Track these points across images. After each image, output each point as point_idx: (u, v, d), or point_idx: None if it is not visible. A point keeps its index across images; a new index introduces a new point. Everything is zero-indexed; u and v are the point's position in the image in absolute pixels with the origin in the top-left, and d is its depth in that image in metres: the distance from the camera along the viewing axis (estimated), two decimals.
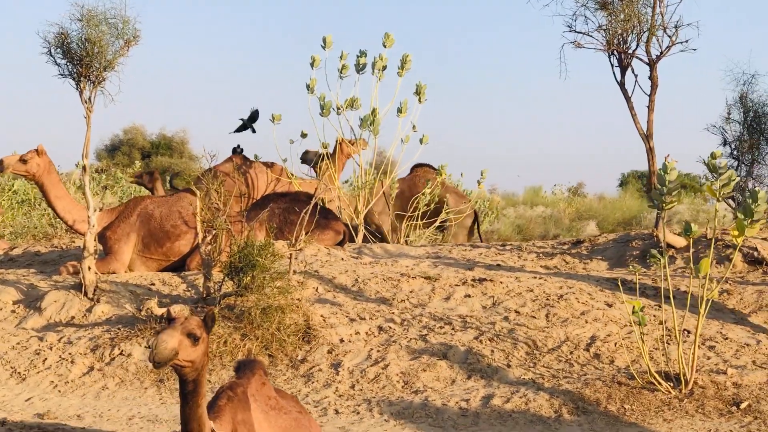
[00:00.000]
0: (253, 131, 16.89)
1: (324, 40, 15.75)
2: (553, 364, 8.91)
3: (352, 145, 15.89)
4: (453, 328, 9.58)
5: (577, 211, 28.34)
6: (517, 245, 13.71)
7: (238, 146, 16.03)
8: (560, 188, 34.28)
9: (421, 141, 16.27)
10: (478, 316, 9.98)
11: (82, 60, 10.32)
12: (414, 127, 16.20)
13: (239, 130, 16.80)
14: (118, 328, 9.79)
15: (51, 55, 10.49)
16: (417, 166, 16.97)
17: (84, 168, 10.73)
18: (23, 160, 11.25)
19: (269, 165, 15.90)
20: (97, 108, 10.57)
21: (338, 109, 15.79)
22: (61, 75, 10.55)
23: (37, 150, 11.35)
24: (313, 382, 8.80)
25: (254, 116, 16.76)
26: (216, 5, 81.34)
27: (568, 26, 11.94)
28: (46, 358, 9.38)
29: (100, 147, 46.13)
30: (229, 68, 76.30)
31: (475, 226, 16.93)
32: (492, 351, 9.10)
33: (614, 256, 12.57)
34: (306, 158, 16.64)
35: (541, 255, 12.83)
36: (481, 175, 17.66)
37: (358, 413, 8.18)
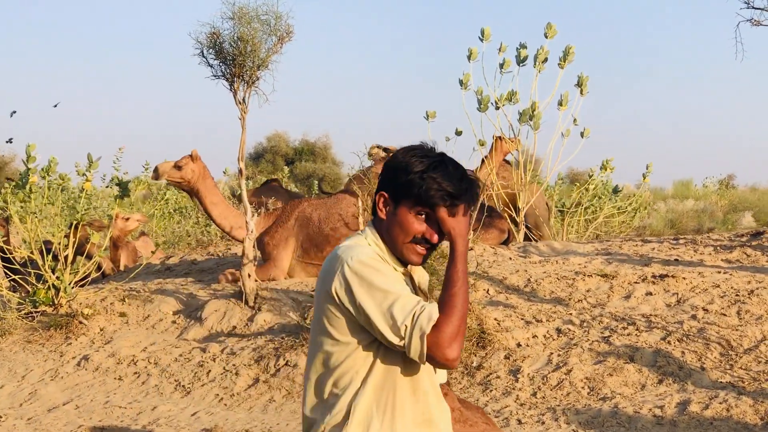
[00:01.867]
0: None
1: (482, 32, 15.14)
2: (752, 366, 8.11)
3: (511, 142, 15.25)
4: (637, 329, 8.86)
5: (730, 203, 27.59)
6: (691, 239, 12.89)
7: (387, 148, 15.54)
8: (711, 180, 33.29)
9: (582, 134, 15.54)
10: (662, 315, 9.24)
11: (235, 59, 9.92)
12: (575, 120, 15.48)
13: None
14: (282, 337, 9.37)
15: (204, 56, 10.11)
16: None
17: (240, 171, 10.35)
18: (178, 167, 10.98)
19: None
20: (251, 109, 10.18)
21: (496, 103, 15.17)
22: (215, 76, 10.17)
23: (191, 155, 11.06)
24: (491, 390, 8.19)
25: None
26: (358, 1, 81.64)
27: (746, 2, 11.07)
28: (210, 370, 9.00)
29: (245, 155, 46.43)
30: (371, 68, 76.44)
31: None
32: (683, 353, 8.34)
33: None
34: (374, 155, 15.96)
35: (718, 248, 11.99)
36: (647, 168, 16.85)
37: (543, 423, 7.54)
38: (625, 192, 18.01)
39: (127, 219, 13.67)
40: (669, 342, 8.51)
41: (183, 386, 8.86)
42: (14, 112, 15.55)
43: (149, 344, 9.83)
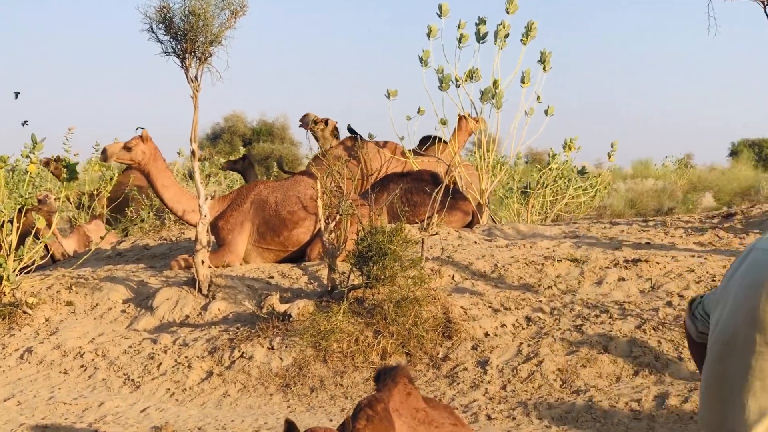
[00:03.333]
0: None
1: (440, 8, 14.67)
2: None
3: (476, 122, 14.79)
4: (611, 317, 8.45)
5: (689, 183, 27.59)
6: (661, 221, 12.51)
7: (349, 126, 15.06)
8: (670, 160, 33.26)
9: (546, 112, 15.10)
10: (636, 301, 8.83)
11: (186, 35, 9.40)
12: (539, 97, 15.04)
13: None
14: (237, 328, 8.90)
15: (153, 32, 9.58)
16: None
17: (193, 152, 9.82)
18: (127, 148, 10.44)
19: (381, 144, 14.91)
20: (204, 87, 9.66)
21: (457, 81, 14.71)
22: (165, 53, 9.63)
23: (141, 136, 10.53)
24: (458, 384, 7.75)
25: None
26: None
27: None
28: (160, 363, 8.51)
29: (202, 136, 46.02)
30: (332, 47, 75.74)
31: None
32: (659, 342, 7.94)
33: None
34: (304, 121, 15.54)
35: (690, 230, 11.61)
36: (612, 147, 16.44)
37: (514, 418, 7.14)
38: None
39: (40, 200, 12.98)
40: (644, 331, 8.11)
41: (132, 380, 8.38)
42: (18, 93, 14.86)
43: (97, 335, 9.32)
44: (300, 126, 15.67)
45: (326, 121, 15.64)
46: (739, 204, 24.42)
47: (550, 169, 15.67)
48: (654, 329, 8.13)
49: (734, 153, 39.37)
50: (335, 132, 15.75)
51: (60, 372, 8.66)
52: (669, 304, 8.68)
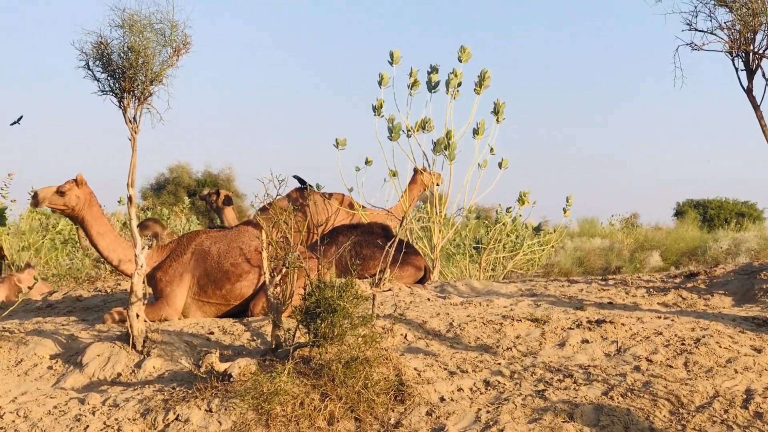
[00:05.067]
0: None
1: (391, 56, 14.24)
2: (707, 427, 7.16)
3: (431, 176, 14.33)
4: (575, 382, 7.90)
5: (636, 242, 27.67)
6: (621, 279, 12.07)
7: (297, 176, 14.53)
8: (616, 219, 33.36)
9: (500, 165, 14.69)
10: (602, 365, 8.30)
11: (125, 73, 8.79)
12: (492, 149, 14.64)
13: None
14: (173, 388, 8.21)
15: (89, 69, 8.96)
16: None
17: (130, 199, 9.16)
18: (60, 192, 9.79)
19: (327, 195, 14.39)
20: (145, 130, 9.04)
21: (408, 131, 14.25)
22: (102, 92, 9.00)
23: (75, 180, 9.89)
24: None
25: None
26: (261, 24, 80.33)
27: (688, 24, 10.23)
28: (87, 426, 7.78)
29: (146, 186, 45.56)
30: (279, 96, 75.28)
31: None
32: (628, 410, 7.37)
33: (738, 290, 10.90)
34: (202, 196, 15.64)
35: (652, 290, 11.17)
36: (567, 201, 16.03)
37: None
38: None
39: None
40: (612, 397, 7.55)
41: None
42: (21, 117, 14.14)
43: (20, 393, 8.59)
44: (200, 198, 15.89)
45: (217, 192, 15.51)
46: (686, 264, 24.33)
47: (503, 225, 15.20)
48: (622, 396, 7.58)
49: (679, 213, 39.63)
50: (228, 201, 15.61)
51: None
52: (637, 368, 8.16)
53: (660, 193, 57.46)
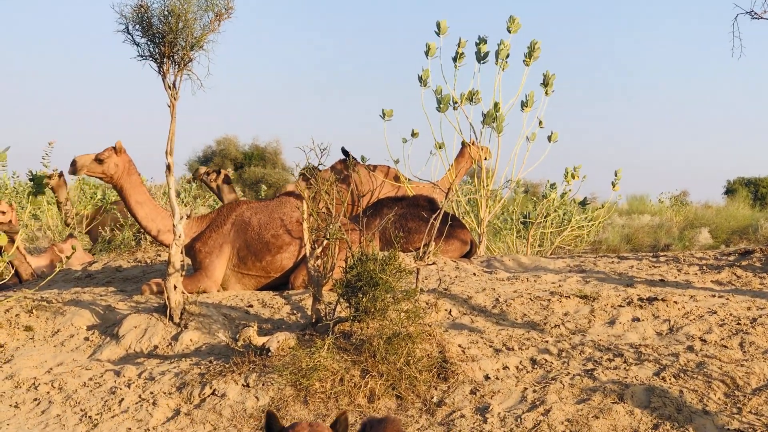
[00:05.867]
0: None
1: (438, 26, 13.91)
2: (764, 410, 6.82)
3: (480, 150, 14.01)
4: (625, 361, 7.58)
5: (685, 219, 27.23)
6: (673, 256, 11.69)
7: (343, 148, 14.27)
8: (665, 196, 32.90)
9: (549, 138, 14.33)
10: (654, 345, 7.98)
11: (164, 37, 8.55)
12: (541, 122, 14.28)
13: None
14: (210, 362, 8.00)
15: (129, 33, 8.72)
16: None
17: (168, 167, 8.93)
18: (99, 160, 9.59)
19: (372, 168, 14.12)
20: (189, 99, 8.81)
21: (456, 103, 13.92)
22: (141, 57, 8.77)
23: (114, 147, 9.69)
24: None
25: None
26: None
27: None
28: (122, 399, 7.59)
29: (193, 158, 45.51)
30: (328, 68, 74.94)
31: None
32: (680, 391, 7.05)
33: None
34: (195, 175, 15.37)
35: (705, 268, 10.80)
36: (616, 175, 15.63)
37: None
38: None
39: (3, 212, 12.08)
40: (664, 378, 7.24)
41: (89, 417, 7.44)
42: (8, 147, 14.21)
43: (55, 365, 8.42)
44: (194, 180, 15.67)
45: (218, 171, 15.28)
46: (736, 242, 23.88)
47: (551, 199, 14.86)
48: (674, 377, 7.27)
49: (730, 191, 39.06)
50: (227, 180, 15.37)
51: (10, 405, 7.73)
52: (690, 348, 7.83)
53: (710, 170, 56.66)
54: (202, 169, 15.48)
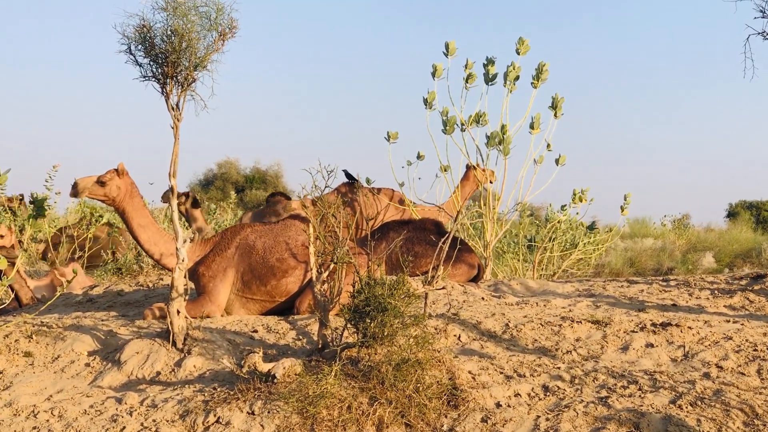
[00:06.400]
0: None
1: (446, 47, 13.79)
2: None
3: (485, 173, 13.88)
4: (640, 389, 7.39)
5: (688, 243, 27.15)
6: (684, 281, 11.52)
7: (345, 171, 14.12)
8: (668, 219, 32.87)
9: (557, 161, 14.18)
10: (669, 372, 7.79)
11: (167, 57, 8.39)
12: (549, 145, 14.14)
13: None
14: (214, 388, 7.81)
15: (131, 54, 8.57)
16: (273, 195, 15.34)
17: (171, 189, 8.77)
18: (101, 182, 9.43)
19: (376, 191, 13.97)
20: (191, 122, 8.65)
21: (462, 125, 13.79)
22: (144, 77, 8.62)
23: (117, 170, 9.53)
24: None
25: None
26: (312, 14, 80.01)
27: (761, 11, 9.65)
28: (124, 427, 7.38)
29: (194, 181, 45.51)
30: (329, 90, 74.90)
31: None
32: (698, 420, 6.85)
33: None
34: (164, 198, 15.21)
35: (716, 292, 10.62)
36: (625, 199, 15.48)
37: None
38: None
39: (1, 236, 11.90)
40: (680, 406, 7.03)
41: None
42: None
43: (55, 392, 8.23)
44: (162, 201, 15.57)
45: (186, 194, 15.16)
46: (740, 266, 23.74)
47: (559, 222, 14.70)
48: (691, 405, 7.06)
49: (732, 214, 39.02)
50: (195, 203, 15.26)
51: None
52: (707, 375, 7.64)
53: (712, 193, 56.57)
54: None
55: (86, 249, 17.00)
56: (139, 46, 8.52)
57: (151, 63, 8.55)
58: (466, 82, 13.68)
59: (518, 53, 13.80)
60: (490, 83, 13.75)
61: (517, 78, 13.72)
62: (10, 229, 11.78)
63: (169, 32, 8.38)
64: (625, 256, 23.95)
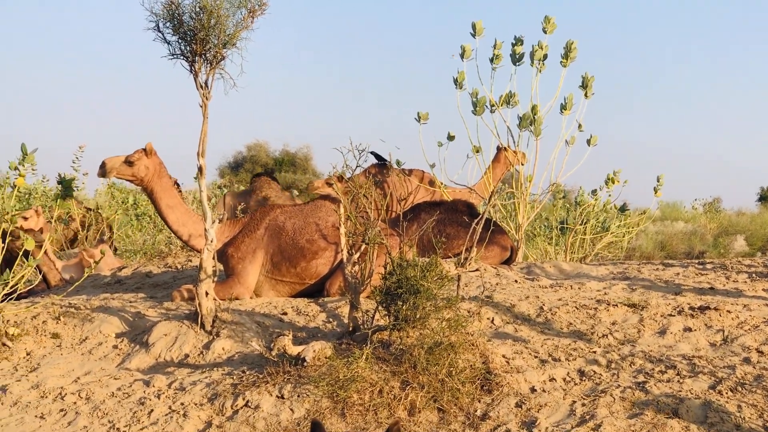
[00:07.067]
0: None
1: (473, 27, 13.58)
2: None
3: (516, 155, 13.70)
4: (678, 374, 7.20)
5: (720, 227, 26.92)
6: (720, 264, 11.31)
7: (374, 152, 13.95)
8: (699, 203, 32.61)
9: (588, 142, 13.96)
10: (708, 356, 7.59)
11: (196, 35, 8.25)
12: (580, 125, 13.92)
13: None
14: (243, 371, 7.68)
15: (159, 31, 8.43)
16: (257, 176, 15.21)
17: (200, 169, 8.62)
18: (129, 162, 9.32)
19: (407, 172, 13.81)
20: (216, 96, 8.50)
21: (492, 106, 13.60)
22: (172, 55, 8.47)
23: (145, 149, 9.41)
24: None
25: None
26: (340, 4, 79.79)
27: None
28: (152, 410, 7.27)
29: (224, 164, 45.47)
30: (358, 72, 74.68)
31: None
32: (739, 406, 6.66)
33: None
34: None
35: (754, 275, 10.41)
36: (658, 181, 15.25)
37: None
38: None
39: (26, 218, 11.85)
40: (720, 392, 6.84)
41: (117, 429, 7.13)
42: None
43: (83, 374, 8.13)
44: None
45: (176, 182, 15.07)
46: None
47: (592, 205, 14.50)
48: (731, 390, 6.87)
49: (763, 198, 38.66)
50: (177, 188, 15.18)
51: (35, 416, 7.44)
52: (747, 360, 7.44)
53: (743, 177, 56.06)
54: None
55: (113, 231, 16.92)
56: (168, 24, 8.38)
57: (180, 40, 8.41)
58: (494, 62, 13.48)
59: (545, 32, 13.60)
60: (517, 63, 13.54)
61: (544, 57, 13.52)
62: (37, 212, 11.71)
63: (197, 9, 8.23)
64: (656, 240, 23.76)
